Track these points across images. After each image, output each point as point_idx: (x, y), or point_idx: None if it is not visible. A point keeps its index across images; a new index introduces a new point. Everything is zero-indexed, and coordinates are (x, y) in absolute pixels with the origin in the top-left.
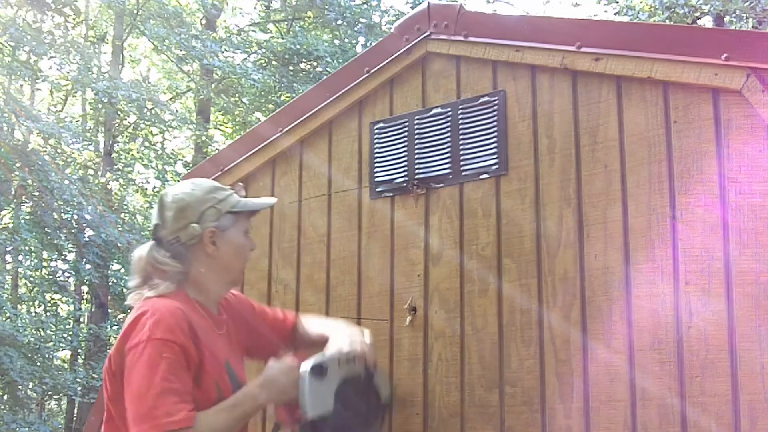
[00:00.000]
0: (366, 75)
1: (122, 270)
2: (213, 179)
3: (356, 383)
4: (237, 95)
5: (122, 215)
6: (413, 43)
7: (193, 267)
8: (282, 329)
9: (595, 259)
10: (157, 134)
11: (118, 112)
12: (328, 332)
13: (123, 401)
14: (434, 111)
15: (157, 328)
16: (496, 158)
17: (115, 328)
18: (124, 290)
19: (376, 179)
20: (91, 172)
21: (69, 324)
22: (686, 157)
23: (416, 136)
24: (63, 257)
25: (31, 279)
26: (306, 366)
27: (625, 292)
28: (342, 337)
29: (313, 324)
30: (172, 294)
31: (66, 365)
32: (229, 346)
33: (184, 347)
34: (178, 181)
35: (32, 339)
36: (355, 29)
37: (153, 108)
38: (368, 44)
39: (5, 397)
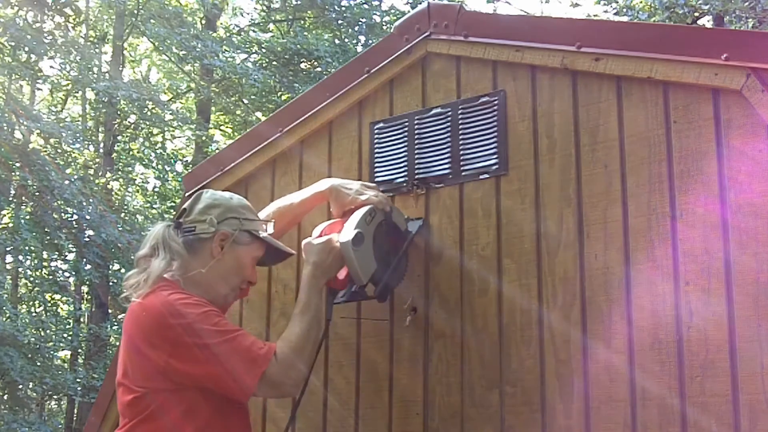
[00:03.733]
0: (366, 75)
1: (122, 270)
2: (213, 179)
3: (381, 230)
4: (237, 95)
5: (122, 215)
6: (413, 43)
7: (194, 262)
8: None
9: (595, 259)
10: (157, 134)
11: (119, 112)
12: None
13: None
14: (434, 111)
15: (182, 305)
16: (496, 158)
17: (115, 327)
18: (125, 290)
19: (376, 179)
20: (91, 172)
21: (69, 324)
22: (686, 157)
23: (416, 136)
24: (63, 257)
25: (31, 279)
26: (346, 237)
27: (625, 292)
28: (353, 195)
29: (281, 209)
30: (162, 287)
31: (66, 365)
32: None
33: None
34: (179, 181)
35: (32, 339)
36: (356, 29)
37: (153, 108)
38: (368, 44)
39: (5, 397)
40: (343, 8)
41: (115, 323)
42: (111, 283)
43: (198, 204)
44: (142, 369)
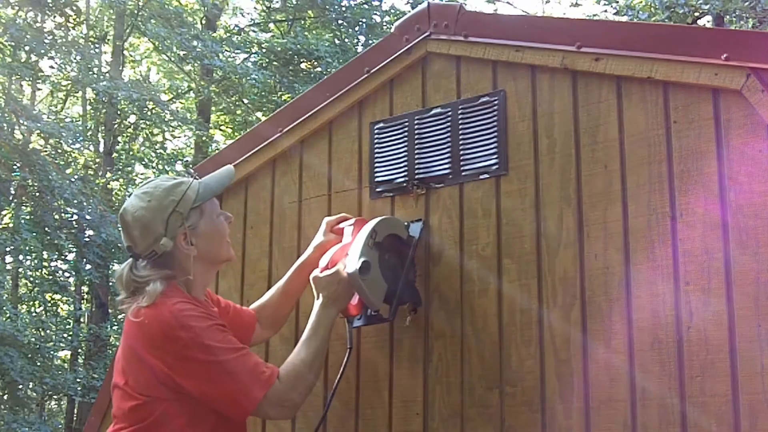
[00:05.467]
0: (366, 75)
1: None
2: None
3: (385, 248)
4: (237, 95)
5: None
6: (413, 43)
7: (179, 270)
8: (241, 325)
9: (595, 259)
10: (157, 134)
11: (119, 112)
12: (291, 278)
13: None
14: (434, 111)
15: (187, 317)
16: (496, 158)
17: (115, 327)
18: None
19: (376, 179)
20: (91, 172)
21: (69, 324)
22: (686, 157)
23: (416, 136)
24: (63, 257)
25: (31, 279)
26: (353, 267)
27: (625, 292)
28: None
29: (273, 291)
30: (165, 294)
31: (66, 365)
32: None
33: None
34: None
35: (32, 339)
36: (356, 29)
37: (153, 108)
38: (368, 44)
39: (5, 397)
40: (343, 8)
41: (115, 323)
42: (111, 283)
43: (132, 231)
44: (143, 377)
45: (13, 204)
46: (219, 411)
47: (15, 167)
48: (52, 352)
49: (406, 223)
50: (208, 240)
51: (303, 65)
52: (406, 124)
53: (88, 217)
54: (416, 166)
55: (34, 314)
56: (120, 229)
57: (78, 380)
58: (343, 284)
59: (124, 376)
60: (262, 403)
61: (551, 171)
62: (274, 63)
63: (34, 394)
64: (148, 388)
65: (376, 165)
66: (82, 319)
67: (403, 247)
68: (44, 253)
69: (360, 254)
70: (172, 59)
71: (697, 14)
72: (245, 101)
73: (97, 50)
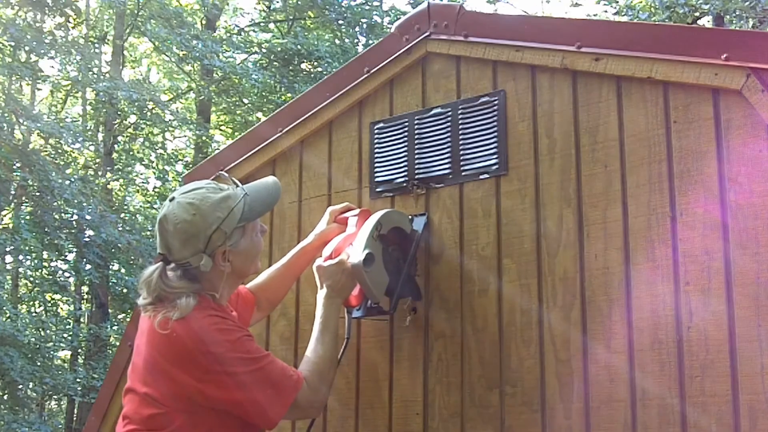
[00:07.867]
0: (366, 75)
1: (122, 270)
2: (212, 179)
3: (388, 241)
4: (237, 95)
5: (122, 215)
6: (413, 43)
7: (208, 284)
8: (245, 309)
9: (595, 259)
10: (157, 134)
11: (119, 112)
12: (294, 258)
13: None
14: (434, 111)
15: (217, 331)
16: (496, 158)
17: (115, 328)
18: (125, 290)
19: (376, 179)
20: (91, 172)
21: (69, 324)
22: (686, 157)
23: (416, 136)
24: (63, 257)
25: (31, 279)
26: (357, 259)
27: (625, 293)
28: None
29: (271, 273)
30: (195, 307)
31: (66, 365)
32: None
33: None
34: (179, 181)
35: (32, 339)
36: (356, 29)
37: (153, 108)
38: (369, 44)
39: (5, 397)
40: (343, 8)
41: (115, 323)
42: (111, 283)
43: (171, 241)
44: (168, 389)
45: (13, 204)
46: (249, 420)
47: (15, 167)
48: (52, 352)
49: (410, 217)
50: (244, 258)
51: (303, 65)
52: (406, 124)
53: (88, 217)
54: (416, 166)
55: (34, 314)
56: (156, 234)
57: (78, 380)
58: (347, 274)
59: (146, 385)
60: (291, 408)
61: (551, 171)
62: (275, 63)
63: (34, 394)
64: (171, 399)
65: (376, 165)
66: (82, 319)
67: (406, 241)
68: (44, 253)
69: (365, 246)
70: (172, 59)
71: (697, 14)
72: (245, 101)
73: (97, 50)
